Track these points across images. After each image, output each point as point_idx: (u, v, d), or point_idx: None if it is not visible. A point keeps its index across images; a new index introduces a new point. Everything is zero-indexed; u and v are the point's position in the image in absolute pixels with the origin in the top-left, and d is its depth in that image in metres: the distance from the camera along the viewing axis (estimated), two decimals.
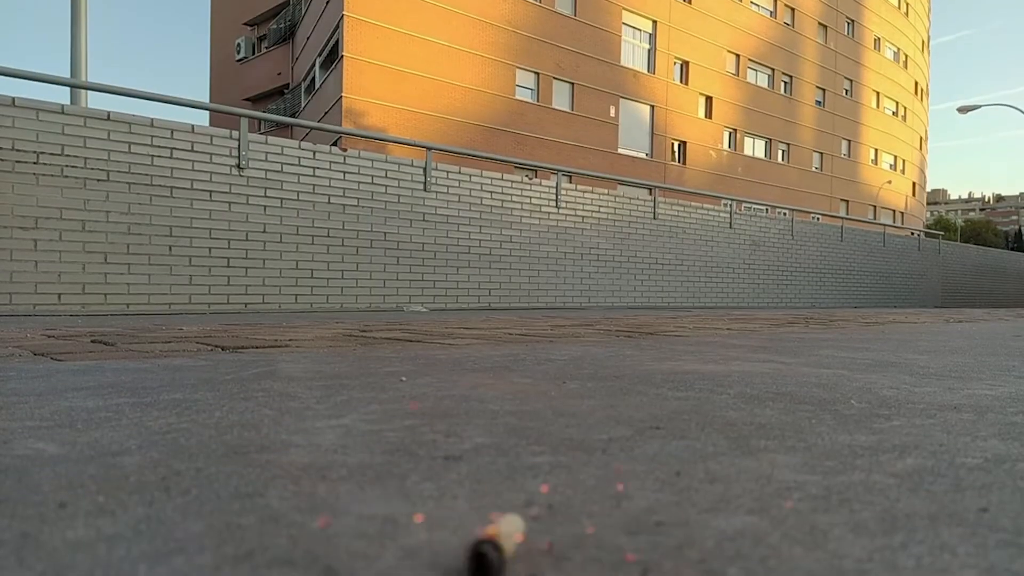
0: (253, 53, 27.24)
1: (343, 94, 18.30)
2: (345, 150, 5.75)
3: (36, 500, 0.50)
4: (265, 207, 5.26)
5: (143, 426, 0.77)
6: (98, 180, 4.52)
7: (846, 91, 34.56)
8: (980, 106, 20.89)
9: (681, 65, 26.16)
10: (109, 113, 4.57)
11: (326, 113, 19.62)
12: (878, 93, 36.87)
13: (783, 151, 30.80)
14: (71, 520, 0.46)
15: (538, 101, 21.73)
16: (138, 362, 1.44)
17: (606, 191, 7.68)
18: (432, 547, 0.42)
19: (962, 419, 0.89)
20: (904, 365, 1.59)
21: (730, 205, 9.19)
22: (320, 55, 21.22)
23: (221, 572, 0.37)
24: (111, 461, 0.62)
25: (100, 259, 4.55)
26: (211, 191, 4.98)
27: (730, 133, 28.46)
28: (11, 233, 4.24)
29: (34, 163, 4.29)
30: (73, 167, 4.43)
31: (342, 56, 18.30)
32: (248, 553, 0.40)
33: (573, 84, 22.55)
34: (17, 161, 4.23)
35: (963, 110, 20.89)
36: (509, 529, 0.41)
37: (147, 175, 4.71)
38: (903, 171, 39.41)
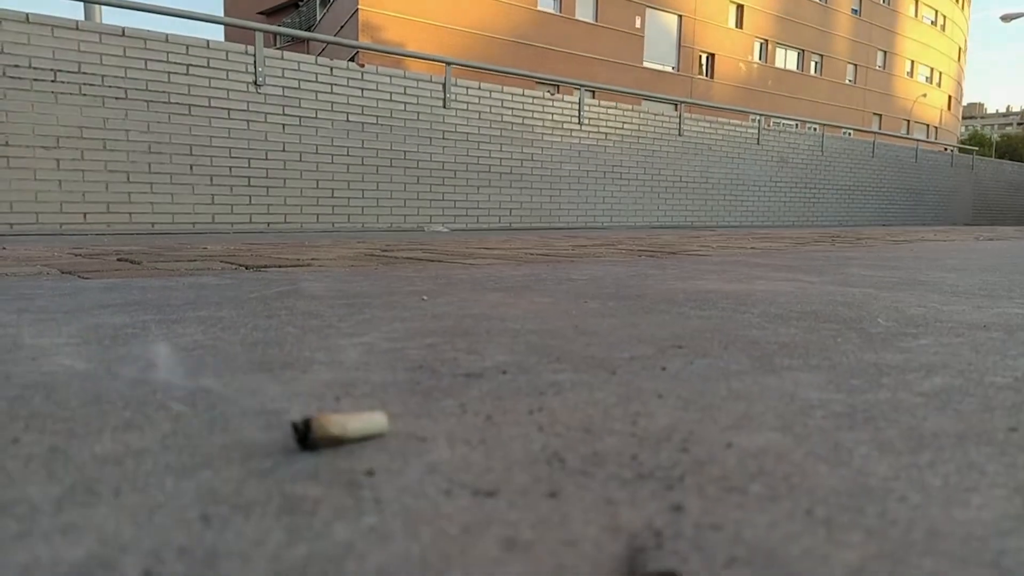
0: None
1: (359, 6, 17.81)
2: (363, 66, 5.63)
3: (64, 415, 0.51)
4: (284, 125, 5.21)
5: (169, 343, 0.78)
6: (116, 98, 4.49)
7: None
8: None
9: None
10: (124, 29, 4.49)
11: (342, 27, 19.16)
12: (917, 0, 35.14)
13: (816, 63, 29.71)
14: (99, 435, 0.46)
15: (561, 12, 21.01)
16: (163, 280, 1.46)
17: (630, 107, 7.49)
18: (453, 463, 0.42)
19: (991, 338, 0.87)
20: (932, 283, 1.57)
21: (758, 121, 8.93)
22: None
23: (247, 485, 0.38)
24: (138, 377, 0.63)
25: (123, 178, 4.57)
26: (229, 109, 4.93)
27: (761, 44, 27.45)
28: (34, 152, 4.25)
29: (52, 81, 4.26)
30: (91, 85, 4.39)
31: None
32: (273, 467, 0.41)
33: None
34: (35, 79, 4.20)
35: (1007, 18, 19.87)
36: (353, 422, 0.45)
37: (164, 92, 4.66)
38: (939, 84, 37.96)
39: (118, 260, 2.04)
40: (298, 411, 0.53)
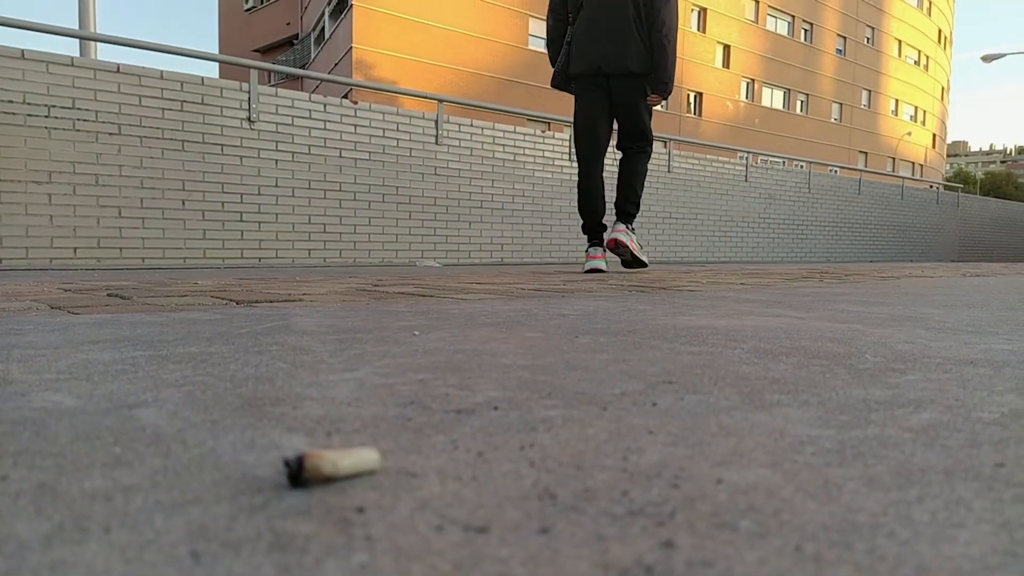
0: (261, 2, 26.86)
1: (353, 44, 18.07)
2: (356, 103, 5.69)
3: (54, 451, 0.51)
4: (276, 161, 5.24)
5: (159, 379, 0.78)
6: (110, 134, 4.51)
7: (868, 39, 33.68)
8: (1005, 55, 20.36)
9: (699, 12, 25.56)
10: (119, 66, 4.54)
11: (336, 64, 19.41)
12: (900, 41, 35.90)
13: (802, 102, 30.20)
14: (88, 471, 0.46)
15: None
16: (154, 315, 1.45)
17: None
18: (444, 499, 0.42)
19: (978, 374, 0.88)
20: (920, 319, 1.58)
21: (746, 158, 9.05)
22: (329, 4, 20.88)
23: (237, 522, 0.38)
24: (128, 413, 0.63)
25: (114, 213, 4.58)
26: (222, 145, 4.96)
27: (748, 83, 27.92)
28: (25, 187, 4.26)
29: (45, 116, 4.28)
30: (85, 121, 4.42)
31: (351, 5, 18.01)
32: (264, 503, 0.41)
33: None
34: (28, 115, 4.23)
35: (988, 59, 20.35)
36: (344, 458, 0.45)
37: (158, 128, 4.69)
38: (923, 122, 38.61)
39: (108, 295, 2.03)
40: (289, 447, 0.53)
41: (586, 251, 4.06)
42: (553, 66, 4.10)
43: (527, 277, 3.53)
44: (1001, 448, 0.55)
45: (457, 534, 0.36)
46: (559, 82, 4.08)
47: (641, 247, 4.20)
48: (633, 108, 3.93)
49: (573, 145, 4.01)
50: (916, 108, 37.42)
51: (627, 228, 4.03)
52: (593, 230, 4.03)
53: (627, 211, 4.04)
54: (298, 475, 0.43)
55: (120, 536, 0.35)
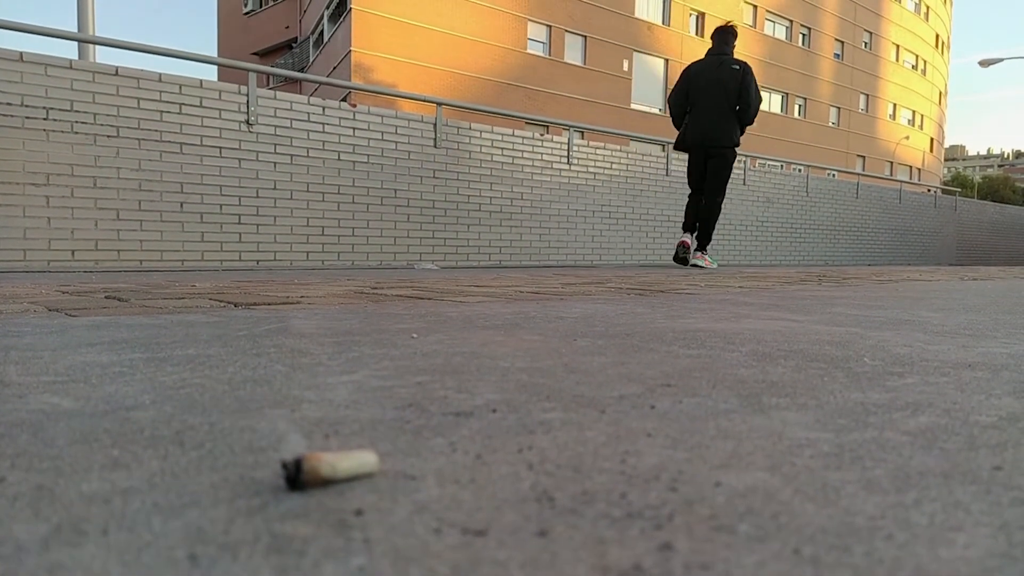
0: (260, 6, 26.87)
1: (352, 48, 18.07)
2: (354, 106, 5.69)
3: (51, 454, 0.50)
4: (275, 163, 5.24)
5: (157, 381, 0.78)
6: (108, 136, 4.51)
7: (865, 44, 33.72)
8: (1002, 59, 20.41)
9: (697, 17, 25.60)
10: (117, 68, 4.54)
11: (335, 68, 19.42)
12: (898, 46, 35.95)
13: (800, 106, 30.23)
14: (86, 473, 0.46)
15: (550, 55, 21.38)
16: (151, 318, 1.45)
17: (618, 147, 7.59)
18: (443, 502, 0.42)
19: (976, 377, 0.88)
20: (918, 323, 1.58)
21: (744, 162, 9.06)
22: (328, 7, 20.90)
23: (235, 525, 0.38)
24: (125, 415, 0.62)
25: (112, 216, 4.57)
26: (221, 147, 4.96)
27: None
28: (23, 189, 4.25)
29: (44, 119, 4.28)
30: (83, 123, 4.42)
31: (350, 8, 18.02)
32: (262, 506, 0.40)
33: (586, 37, 22.15)
34: (27, 117, 4.22)
35: (985, 64, 20.39)
36: (343, 460, 0.45)
37: (156, 131, 4.69)
38: (921, 127, 38.66)
39: (106, 298, 2.03)
40: (287, 450, 0.53)
41: (683, 234, 6.26)
42: (677, 128, 6.19)
43: (525, 280, 3.53)
44: (999, 451, 0.55)
45: (455, 537, 0.36)
46: (678, 145, 6.20)
47: (712, 259, 6.44)
48: (719, 170, 6.05)
49: (687, 181, 6.36)
50: (914, 112, 37.51)
51: (703, 254, 6.22)
52: (689, 226, 6.22)
53: (703, 243, 6.24)
54: (296, 478, 0.43)
55: (118, 538, 0.35)
